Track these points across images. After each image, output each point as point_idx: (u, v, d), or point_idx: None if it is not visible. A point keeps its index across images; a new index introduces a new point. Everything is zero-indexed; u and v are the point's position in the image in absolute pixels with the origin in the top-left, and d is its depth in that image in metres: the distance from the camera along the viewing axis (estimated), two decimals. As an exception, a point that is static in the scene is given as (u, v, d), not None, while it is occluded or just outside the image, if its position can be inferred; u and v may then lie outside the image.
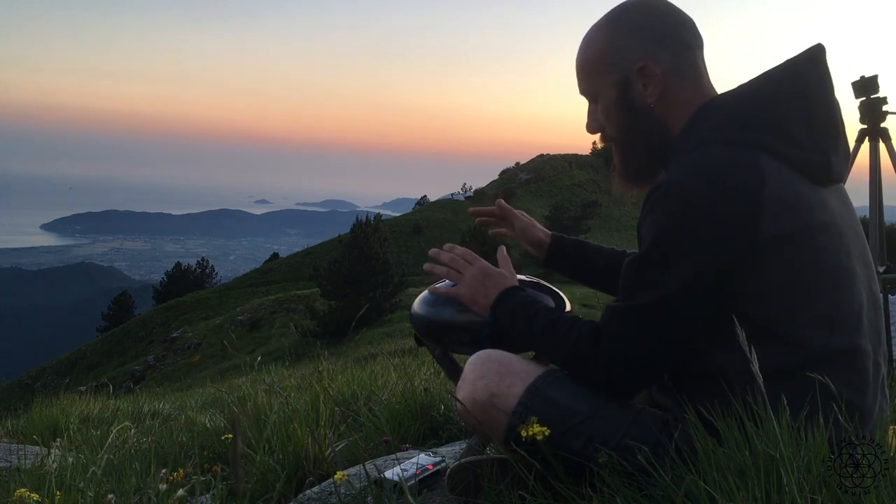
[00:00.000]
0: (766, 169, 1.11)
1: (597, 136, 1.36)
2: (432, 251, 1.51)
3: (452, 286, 1.63)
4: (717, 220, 1.09)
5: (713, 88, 1.28)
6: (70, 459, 1.85)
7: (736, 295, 1.11)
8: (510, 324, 1.34)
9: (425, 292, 1.66)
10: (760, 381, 1.03)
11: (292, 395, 3.13)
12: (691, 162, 1.15)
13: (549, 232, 1.69)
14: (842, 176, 1.22)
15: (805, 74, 1.19)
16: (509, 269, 1.45)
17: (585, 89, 1.34)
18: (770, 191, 1.09)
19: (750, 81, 1.22)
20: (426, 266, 1.49)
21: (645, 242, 1.16)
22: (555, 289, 1.57)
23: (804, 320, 1.11)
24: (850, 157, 1.26)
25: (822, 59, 1.20)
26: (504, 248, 1.52)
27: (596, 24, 1.30)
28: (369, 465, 1.68)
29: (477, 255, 1.46)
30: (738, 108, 1.18)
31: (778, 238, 1.09)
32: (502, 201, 1.69)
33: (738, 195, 1.09)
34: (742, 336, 1.05)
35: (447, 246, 1.51)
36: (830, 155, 1.18)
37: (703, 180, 1.11)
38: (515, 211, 1.70)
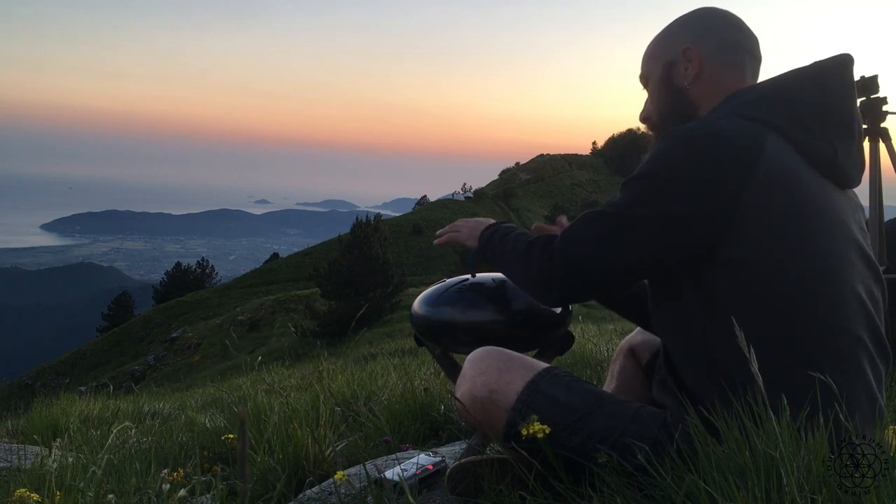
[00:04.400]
0: (770, 143, 1.13)
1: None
2: (438, 232, 1.63)
3: (453, 286, 1.64)
4: (704, 167, 1.11)
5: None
6: (70, 459, 1.85)
7: (721, 258, 1.11)
8: (489, 243, 1.45)
9: (425, 292, 1.66)
10: (760, 381, 1.03)
11: (292, 395, 3.13)
12: (702, 119, 1.20)
13: None
14: (851, 177, 1.23)
15: (829, 78, 1.21)
16: None
17: (642, 74, 1.41)
18: (766, 161, 1.11)
19: (774, 77, 1.25)
20: (436, 241, 1.62)
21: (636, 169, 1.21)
22: None
23: (798, 295, 1.11)
24: (863, 166, 1.27)
25: (848, 68, 1.23)
26: None
27: None
28: (369, 465, 1.68)
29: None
30: (756, 93, 1.22)
31: (765, 207, 1.10)
32: (564, 219, 1.66)
33: (733, 153, 1.11)
34: (741, 336, 1.05)
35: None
36: (838, 148, 1.19)
37: (706, 133, 1.14)
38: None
